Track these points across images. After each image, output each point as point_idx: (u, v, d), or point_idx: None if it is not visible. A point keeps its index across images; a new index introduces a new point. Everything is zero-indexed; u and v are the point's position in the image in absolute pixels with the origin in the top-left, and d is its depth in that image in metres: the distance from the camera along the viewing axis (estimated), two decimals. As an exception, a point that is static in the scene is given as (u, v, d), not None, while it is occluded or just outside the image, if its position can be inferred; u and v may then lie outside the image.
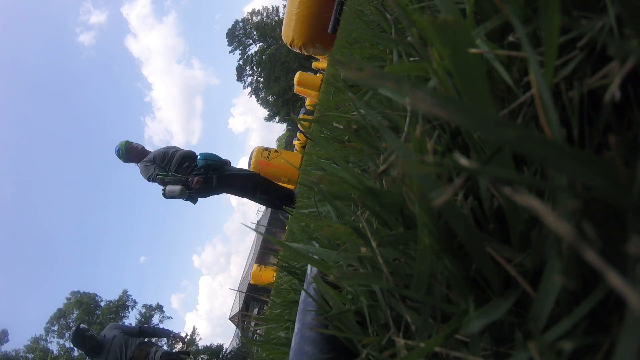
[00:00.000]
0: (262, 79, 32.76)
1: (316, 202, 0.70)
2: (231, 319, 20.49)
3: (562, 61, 0.24)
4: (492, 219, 0.28)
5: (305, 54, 6.20)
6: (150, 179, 3.37)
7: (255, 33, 32.91)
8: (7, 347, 23.17)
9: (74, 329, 3.40)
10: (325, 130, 1.04)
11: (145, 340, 3.86)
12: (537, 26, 0.27)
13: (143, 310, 26.75)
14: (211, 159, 3.42)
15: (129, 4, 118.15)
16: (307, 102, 10.47)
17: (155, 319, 26.92)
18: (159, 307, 27.48)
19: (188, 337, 26.57)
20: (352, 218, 0.42)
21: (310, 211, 1.10)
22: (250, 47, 33.59)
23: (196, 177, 3.31)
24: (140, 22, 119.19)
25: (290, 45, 5.99)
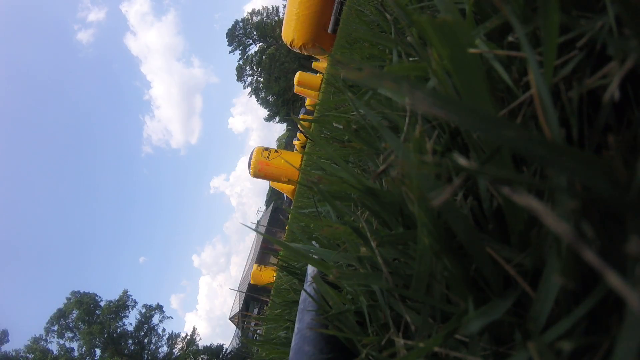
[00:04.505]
0: (262, 79, 32.75)
1: (316, 202, 0.70)
2: (231, 319, 20.50)
3: (562, 61, 0.24)
4: (491, 219, 0.28)
5: (305, 54, 6.20)
6: None
7: (255, 33, 32.90)
8: (7, 347, 23.15)
9: None
10: (325, 130, 1.04)
11: None
12: (536, 26, 0.27)
13: (143, 310, 26.72)
14: None
15: (128, 1, 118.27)
16: (307, 102, 10.48)
17: (155, 319, 26.91)
18: (159, 307, 27.44)
19: (188, 337, 26.57)
20: (352, 218, 0.42)
21: (310, 211, 1.10)
22: (250, 47, 33.58)
23: None
24: (139, 20, 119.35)
25: (290, 45, 5.99)
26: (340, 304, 0.43)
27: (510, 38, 0.29)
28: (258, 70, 32.74)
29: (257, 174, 6.73)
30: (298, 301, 0.54)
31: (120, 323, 25.15)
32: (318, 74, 9.20)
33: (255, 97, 34.23)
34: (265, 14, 33.12)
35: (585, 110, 0.24)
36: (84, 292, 24.86)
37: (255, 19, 33.05)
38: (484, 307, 0.23)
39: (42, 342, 22.83)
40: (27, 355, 21.82)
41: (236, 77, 34.04)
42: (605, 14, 0.22)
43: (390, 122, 0.44)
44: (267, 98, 33.07)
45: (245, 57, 33.37)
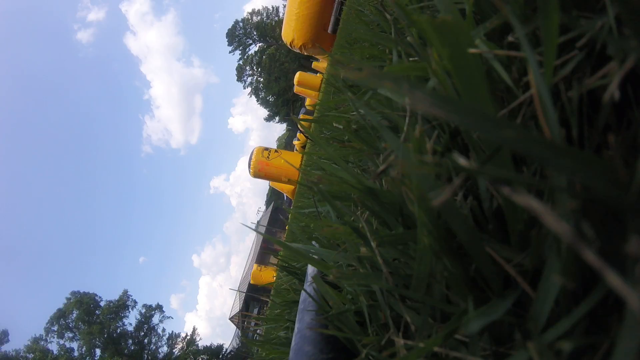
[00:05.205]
0: (262, 79, 32.74)
1: (316, 202, 0.70)
2: (231, 319, 20.49)
3: (562, 61, 0.24)
4: (491, 219, 0.28)
5: (305, 54, 6.21)
6: None
7: (255, 33, 32.90)
8: (7, 347, 23.15)
9: None
10: (325, 130, 1.04)
11: None
12: (536, 26, 0.27)
13: (143, 310, 26.72)
14: None
15: (127, 1, 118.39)
16: (307, 102, 10.49)
17: (155, 319, 26.91)
18: (159, 307, 27.44)
19: (188, 337, 26.55)
20: (352, 218, 0.42)
21: (310, 211, 1.10)
22: (250, 47, 33.58)
23: None
24: (139, 20, 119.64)
25: (290, 45, 5.99)
26: (340, 304, 0.43)
27: (510, 38, 0.29)
28: (258, 70, 32.74)
29: (257, 174, 6.73)
30: (298, 301, 0.54)
31: (120, 323, 25.14)
32: (318, 74, 9.20)
33: (255, 97, 34.22)
34: (265, 14, 33.11)
35: (585, 110, 0.24)
36: (84, 292, 24.84)
37: (255, 19, 33.04)
38: (484, 307, 0.23)
39: (42, 342, 22.82)
40: (27, 355, 21.80)
41: (236, 77, 34.04)
42: (605, 14, 0.22)
43: (390, 122, 0.44)
44: (267, 98, 33.06)
45: (245, 57, 33.36)
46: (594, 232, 0.16)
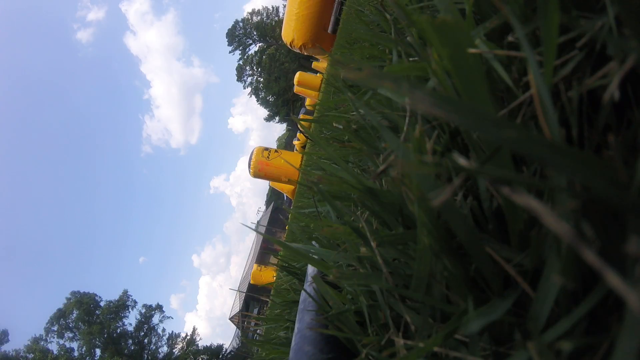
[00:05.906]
0: (262, 79, 32.74)
1: (316, 202, 0.70)
2: (231, 319, 20.49)
3: (562, 61, 0.24)
4: (491, 219, 0.28)
5: (305, 54, 6.21)
6: None
7: (255, 33, 32.90)
8: (7, 347, 23.15)
9: None
10: (325, 130, 1.04)
11: None
12: (536, 26, 0.27)
13: (143, 310, 26.73)
14: None
15: (127, 0, 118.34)
16: (307, 102, 10.50)
17: (155, 319, 26.92)
18: (159, 307, 27.45)
19: (188, 337, 26.54)
20: (352, 218, 0.42)
21: (310, 211, 1.10)
22: (250, 47, 33.58)
23: None
24: (139, 19, 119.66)
25: (290, 45, 5.99)
26: (340, 304, 0.43)
27: (510, 38, 0.29)
28: (258, 70, 32.73)
29: (257, 174, 6.73)
30: (298, 301, 0.54)
31: (120, 323, 25.14)
32: (318, 74, 9.20)
33: (255, 97, 34.22)
34: (265, 14, 33.11)
35: (585, 110, 0.24)
36: (84, 292, 24.84)
37: (255, 19, 33.04)
38: (483, 307, 0.23)
39: (42, 342, 22.81)
40: (27, 355, 21.80)
41: (236, 77, 34.03)
42: (605, 14, 0.22)
43: (390, 122, 0.44)
44: (267, 98, 33.06)
45: (245, 57, 33.35)
46: (594, 232, 0.16)
